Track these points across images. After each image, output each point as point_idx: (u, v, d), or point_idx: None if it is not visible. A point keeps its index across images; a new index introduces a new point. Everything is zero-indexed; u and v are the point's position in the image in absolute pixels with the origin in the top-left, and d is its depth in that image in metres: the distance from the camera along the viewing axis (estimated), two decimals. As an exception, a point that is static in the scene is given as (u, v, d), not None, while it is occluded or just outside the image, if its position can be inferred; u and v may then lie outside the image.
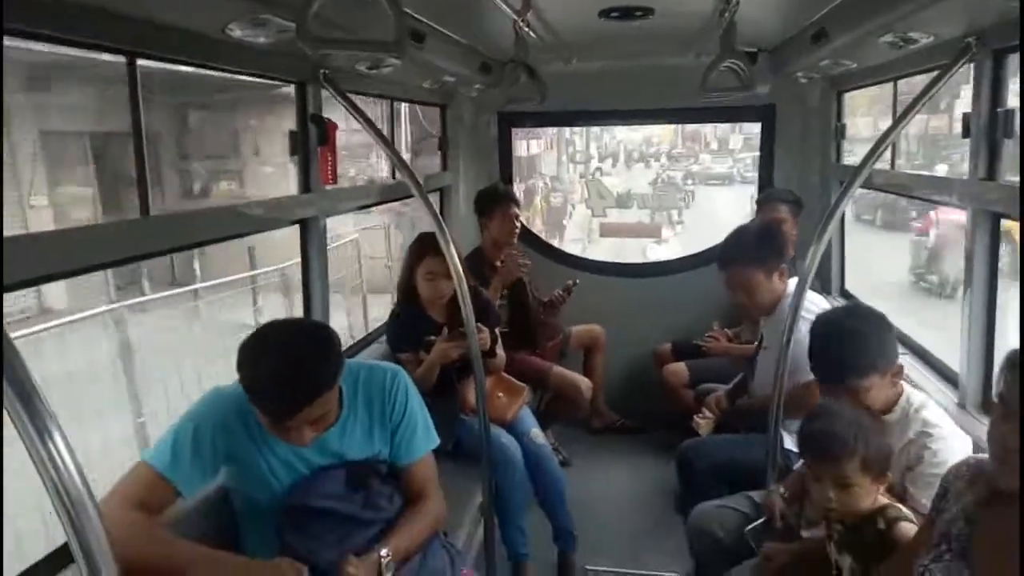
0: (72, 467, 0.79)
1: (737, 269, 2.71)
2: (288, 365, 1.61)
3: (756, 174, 4.37)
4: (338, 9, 1.73)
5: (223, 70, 2.16)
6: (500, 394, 3.16)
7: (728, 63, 2.44)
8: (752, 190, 4.43)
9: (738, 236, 2.83)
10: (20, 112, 9.88)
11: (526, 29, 2.58)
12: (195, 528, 1.78)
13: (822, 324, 2.04)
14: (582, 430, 4.24)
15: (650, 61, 3.72)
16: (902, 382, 1.98)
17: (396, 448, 1.96)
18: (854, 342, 1.91)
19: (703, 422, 2.90)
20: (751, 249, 2.71)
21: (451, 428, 2.89)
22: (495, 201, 3.82)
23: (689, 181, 15.94)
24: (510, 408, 3.14)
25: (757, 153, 4.28)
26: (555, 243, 5.04)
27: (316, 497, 1.81)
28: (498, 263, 3.77)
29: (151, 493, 1.66)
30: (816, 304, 2.56)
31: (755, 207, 3.81)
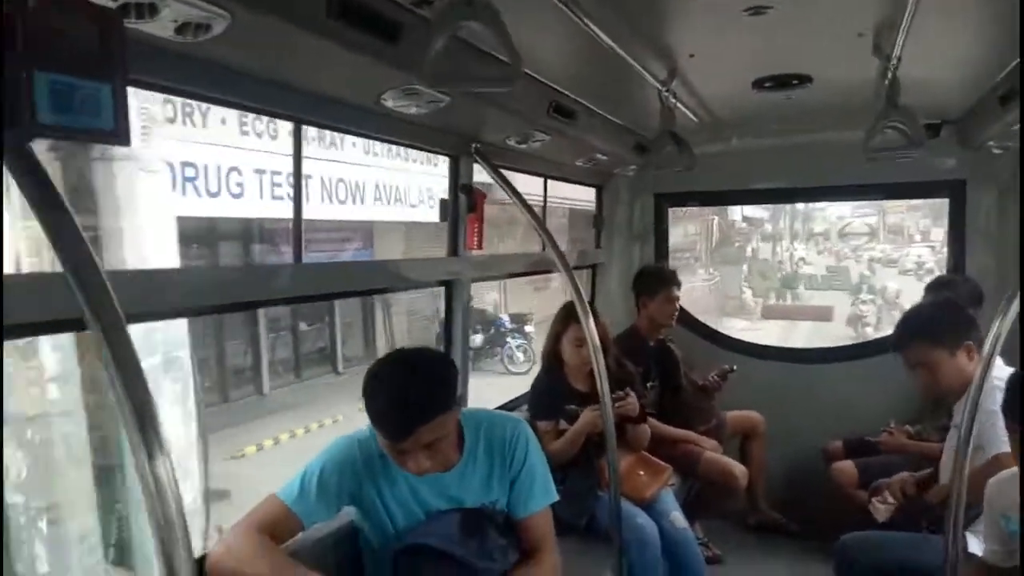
0: (169, 492, 0.91)
1: (912, 348, 2.55)
2: (404, 385, 1.74)
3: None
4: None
5: (381, 139, 2.37)
6: (641, 472, 3.03)
7: (893, 121, 2.28)
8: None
9: (912, 314, 2.74)
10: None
11: (672, 100, 2.60)
12: (321, 560, 1.89)
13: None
14: (736, 525, 3.88)
15: (813, 137, 3.57)
16: None
17: (514, 499, 1.98)
18: None
19: (882, 507, 2.62)
20: (925, 325, 2.56)
21: (586, 503, 2.81)
22: (659, 281, 3.76)
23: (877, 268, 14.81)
24: (650, 487, 2.98)
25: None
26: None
27: (431, 537, 1.84)
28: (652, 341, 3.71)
29: (277, 521, 1.80)
30: (1002, 377, 2.23)
31: (927, 294, 3.45)
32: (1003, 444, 2.11)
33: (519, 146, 2.77)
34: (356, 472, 1.88)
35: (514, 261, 3.29)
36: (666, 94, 2.52)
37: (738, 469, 3.49)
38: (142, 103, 5.25)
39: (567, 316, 2.98)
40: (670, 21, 2.07)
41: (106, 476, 5.17)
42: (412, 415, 1.73)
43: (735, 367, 3.77)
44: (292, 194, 2.01)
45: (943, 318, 2.56)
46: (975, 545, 2.17)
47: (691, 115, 3.02)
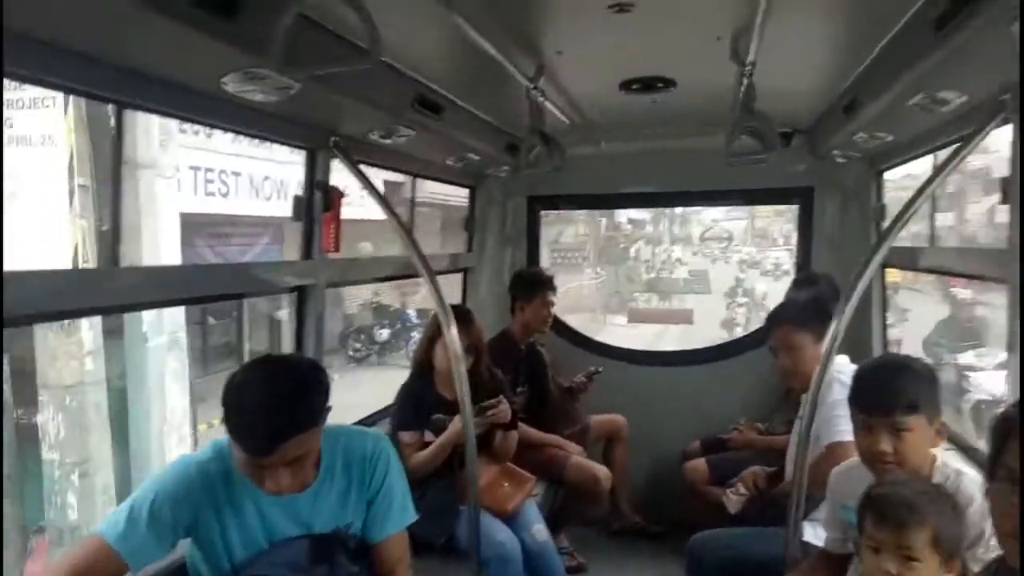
0: None
1: (785, 328, 2.70)
2: (272, 395, 1.59)
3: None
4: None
5: (226, 129, 2.14)
6: (504, 483, 2.95)
7: (749, 126, 2.33)
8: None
9: (785, 303, 2.96)
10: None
11: (541, 99, 2.54)
12: None
13: (873, 360, 2.07)
14: (601, 532, 3.89)
15: (679, 143, 3.65)
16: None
17: (370, 521, 1.85)
18: (906, 375, 1.86)
19: (735, 498, 2.70)
20: (801, 311, 2.72)
21: (446, 520, 2.69)
22: (536, 284, 3.72)
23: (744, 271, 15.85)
24: (513, 499, 2.90)
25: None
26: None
27: (274, 568, 1.68)
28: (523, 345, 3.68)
29: (96, 565, 1.58)
30: (845, 369, 2.37)
31: (793, 287, 3.62)
32: (837, 434, 2.25)
33: (383, 141, 2.61)
34: (193, 500, 1.67)
35: (375, 265, 3.12)
36: (534, 92, 2.45)
37: (602, 473, 3.50)
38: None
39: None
40: (537, 17, 2.00)
41: (117, 438, 6.10)
42: (281, 427, 1.58)
43: (601, 368, 3.80)
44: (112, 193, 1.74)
45: (813, 309, 2.69)
46: (810, 535, 2.26)
47: (561, 115, 2.98)
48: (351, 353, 12.84)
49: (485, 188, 4.10)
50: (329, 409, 1.69)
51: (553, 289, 3.76)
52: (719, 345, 4.31)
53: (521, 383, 3.59)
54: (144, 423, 6.30)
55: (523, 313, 3.68)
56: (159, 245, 5.77)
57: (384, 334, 12.81)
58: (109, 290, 1.74)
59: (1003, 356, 2.80)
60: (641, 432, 3.91)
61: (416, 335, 13.07)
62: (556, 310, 3.78)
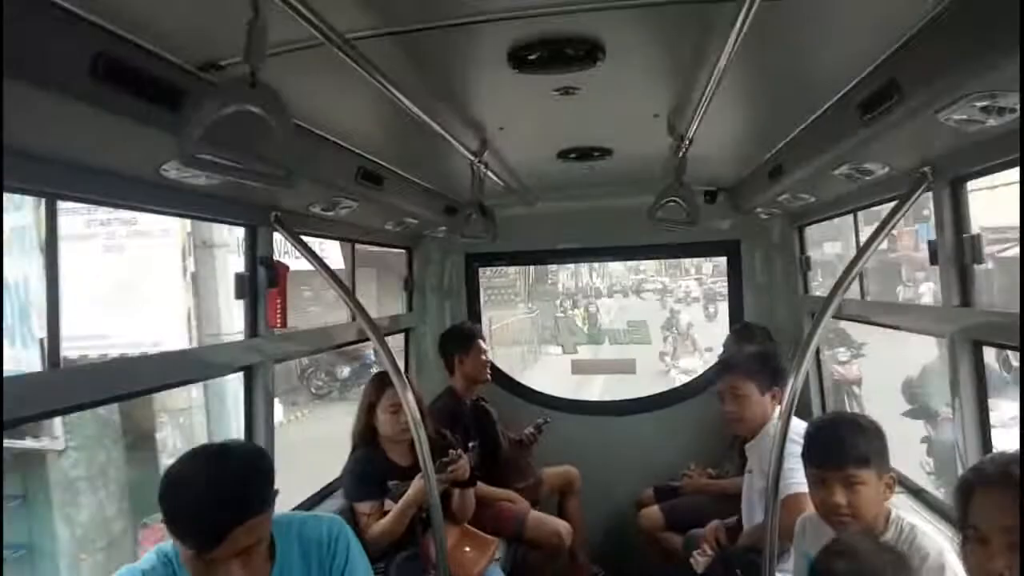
0: None
1: (735, 377, 2.79)
2: (216, 481, 1.50)
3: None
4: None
5: (164, 213, 2.08)
6: (467, 548, 2.89)
7: (676, 196, 2.46)
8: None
9: (738, 351, 3.04)
10: None
11: (484, 170, 2.58)
12: None
13: (822, 417, 2.21)
14: None
15: (611, 202, 3.76)
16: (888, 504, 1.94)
17: None
18: (856, 431, 1.94)
19: (701, 560, 2.74)
20: (749, 361, 2.82)
21: None
22: (467, 336, 3.72)
23: (674, 303, 16.40)
24: (478, 564, 2.86)
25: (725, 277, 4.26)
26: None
27: None
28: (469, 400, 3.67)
29: None
30: (800, 431, 2.44)
31: (732, 336, 3.76)
32: (791, 487, 2.30)
33: (325, 213, 2.59)
34: None
35: (323, 335, 3.06)
36: (478, 165, 2.50)
37: (563, 527, 3.48)
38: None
39: (381, 386, 2.83)
40: (482, 96, 2.05)
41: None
42: (226, 515, 1.47)
43: (548, 419, 3.82)
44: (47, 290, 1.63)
45: (763, 361, 2.82)
46: None
47: (500, 181, 3.03)
48: (313, 390, 13.01)
49: (423, 248, 4.10)
50: (276, 493, 1.61)
51: (483, 337, 3.79)
52: (662, 393, 4.38)
53: (473, 439, 3.55)
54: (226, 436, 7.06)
55: (463, 366, 3.68)
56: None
57: (345, 371, 13.09)
58: (50, 393, 1.64)
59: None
60: (592, 482, 3.91)
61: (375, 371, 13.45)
62: (496, 342, 3.78)
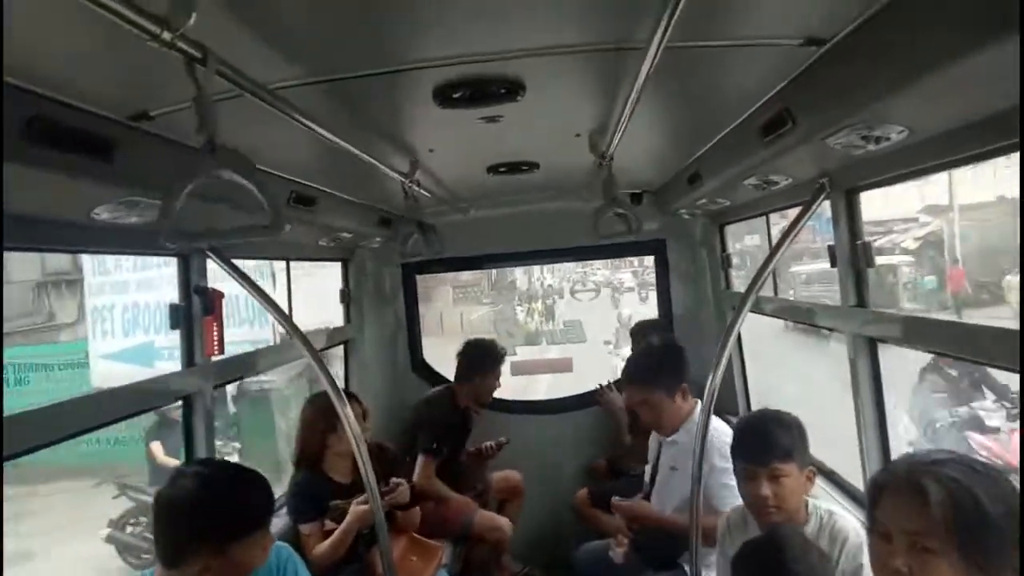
0: None
1: (637, 389, 2.84)
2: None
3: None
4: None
5: (94, 252, 2.07)
6: (413, 557, 2.96)
7: (612, 212, 2.56)
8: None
9: (640, 357, 3.02)
10: None
11: (416, 188, 2.64)
12: None
13: (746, 416, 2.29)
14: None
15: (542, 207, 3.88)
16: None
17: None
18: (778, 427, 2.09)
19: (620, 550, 2.86)
20: (650, 371, 2.83)
21: None
22: (494, 361, 3.77)
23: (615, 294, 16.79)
24: (425, 571, 2.94)
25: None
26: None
27: None
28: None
29: None
30: (719, 430, 2.58)
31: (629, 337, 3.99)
32: (734, 500, 2.36)
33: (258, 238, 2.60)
34: None
35: (262, 357, 3.06)
36: (409, 184, 2.56)
37: (504, 523, 3.61)
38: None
39: (325, 405, 2.79)
40: (410, 124, 2.12)
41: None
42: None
43: (508, 439, 3.90)
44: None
45: (663, 363, 2.85)
46: None
47: (432, 196, 3.10)
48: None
49: (358, 259, 4.11)
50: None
51: (504, 361, 3.83)
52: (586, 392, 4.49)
53: (446, 444, 3.62)
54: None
55: (478, 383, 3.72)
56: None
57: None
58: None
59: None
60: (530, 479, 4.03)
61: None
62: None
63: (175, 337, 2.43)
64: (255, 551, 1.67)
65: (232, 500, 1.64)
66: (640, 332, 3.98)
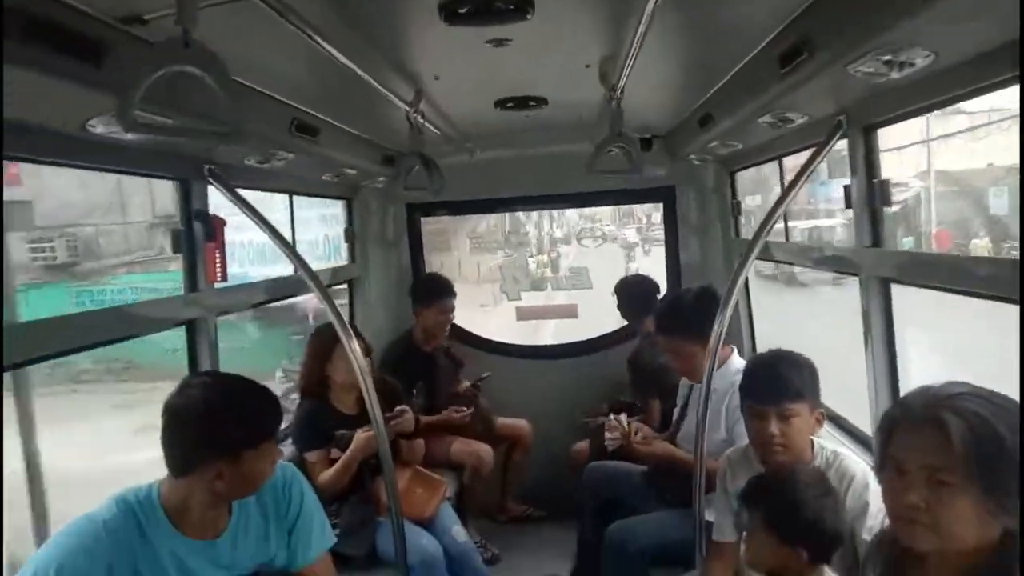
0: None
1: (675, 340, 2.78)
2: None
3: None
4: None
5: (94, 169, 2.03)
6: (418, 489, 3.00)
7: (616, 145, 2.51)
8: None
9: (676, 306, 2.87)
10: None
11: (421, 120, 2.58)
12: None
13: (759, 355, 2.22)
14: (502, 522, 4.04)
15: (550, 149, 3.81)
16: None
17: (292, 550, 1.86)
18: (790, 366, 2.05)
19: (610, 436, 2.92)
20: (688, 321, 2.72)
21: (367, 533, 2.72)
22: (434, 292, 3.77)
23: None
24: (429, 504, 2.97)
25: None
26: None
27: None
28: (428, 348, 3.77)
29: None
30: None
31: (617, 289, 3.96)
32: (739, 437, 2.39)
33: (260, 165, 2.56)
34: (106, 565, 1.53)
35: (265, 288, 3.04)
36: (414, 115, 2.50)
37: (484, 450, 3.63)
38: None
39: (331, 337, 2.80)
40: (416, 48, 2.05)
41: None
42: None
43: (489, 374, 3.91)
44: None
45: (701, 314, 2.64)
46: (708, 515, 2.41)
47: (437, 131, 3.04)
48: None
49: (362, 199, 4.07)
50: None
51: (451, 296, 3.79)
52: (597, 337, 4.48)
53: (417, 386, 3.64)
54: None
55: (421, 319, 3.76)
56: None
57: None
58: None
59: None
60: (535, 422, 4.05)
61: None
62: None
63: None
64: (265, 461, 1.69)
65: (243, 408, 1.64)
66: (623, 289, 3.93)
